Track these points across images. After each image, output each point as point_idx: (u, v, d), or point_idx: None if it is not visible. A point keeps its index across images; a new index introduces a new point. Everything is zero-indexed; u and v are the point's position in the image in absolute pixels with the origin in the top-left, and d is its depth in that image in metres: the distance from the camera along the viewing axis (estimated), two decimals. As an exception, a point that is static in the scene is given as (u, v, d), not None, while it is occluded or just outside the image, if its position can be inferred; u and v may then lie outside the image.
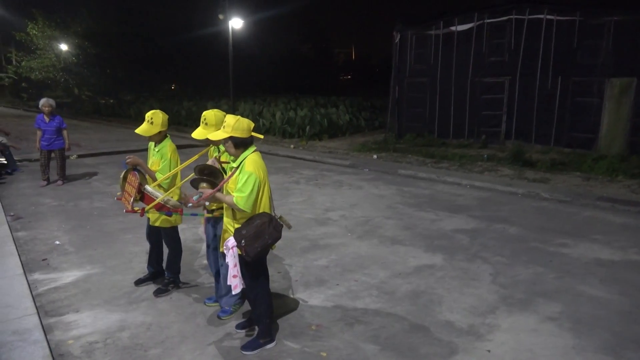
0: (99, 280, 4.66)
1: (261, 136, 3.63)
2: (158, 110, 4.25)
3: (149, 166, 4.19)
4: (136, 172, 3.90)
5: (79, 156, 12.55)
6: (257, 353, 3.41)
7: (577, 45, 12.98)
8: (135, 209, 3.79)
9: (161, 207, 3.83)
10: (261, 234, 3.15)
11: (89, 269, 4.95)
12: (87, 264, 5.07)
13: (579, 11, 12.83)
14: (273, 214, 3.37)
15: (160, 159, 4.14)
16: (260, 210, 3.30)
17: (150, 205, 3.76)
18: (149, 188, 3.83)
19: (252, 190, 3.15)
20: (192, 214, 4.27)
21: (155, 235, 4.48)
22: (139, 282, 4.58)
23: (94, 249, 5.54)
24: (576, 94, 13.17)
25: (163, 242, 4.50)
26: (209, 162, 3.73)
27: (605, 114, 12.66)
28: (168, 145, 4.21)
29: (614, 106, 12.52)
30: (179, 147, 4.59)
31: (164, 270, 4.59)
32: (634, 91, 12.16)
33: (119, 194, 4.09)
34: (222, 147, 3.85)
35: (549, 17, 13.37)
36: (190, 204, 3.57)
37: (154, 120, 4.12)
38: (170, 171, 4.11)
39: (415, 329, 3.76)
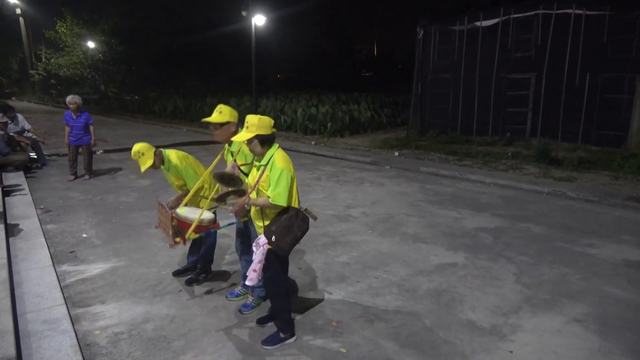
0: (124, 273, 4.77)
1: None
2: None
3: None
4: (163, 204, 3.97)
5: (105, 151, 12.84)
6: (277, 347, 3.44)
7: (606, 41, 12.62)
8: (177, 239, 3.75)
9: (199, 229, 3.80)
10: (291, 227, 3.20)
11: (115, 261, 5.07)
12: (113, 257, 5.19)
13: (609, 5, 12.45)
14: (299, 207, 3.38)
15: (176, 176, 4.24)
16: (292, 204, 3.32)
17: (190, 231, 3.69)
18: (179, 213, 3.83)
19: (286, 185, 3.19)
20: (230, 224, 4.29)
21: None
22: (177, 274, 4.69)
23: (119, 242, 5.66)
24: (605, 91, 12.81)
25: None
26: (228, 168, 3.72)
27: (636, 110, 12.28)
28: (174, 159, 4.19)
29: (645, 103, 12.13)
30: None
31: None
32: (666, 87, 11.76)
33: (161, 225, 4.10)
34: (235, 148, 3.85)
35: (577, 11, 13.02)
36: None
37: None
38: (191, 178, 4.20)
39: (437, 328, 3.74)
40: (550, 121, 13.92)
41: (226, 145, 4.03)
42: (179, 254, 5.20)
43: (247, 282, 3.36)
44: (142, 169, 4.09)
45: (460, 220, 6.70)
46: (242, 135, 3.26)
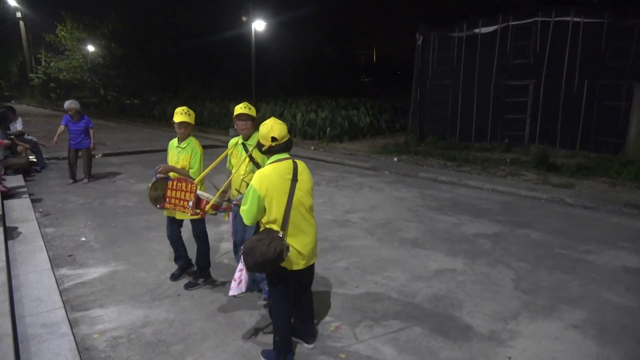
0: (123, 277, 4.77)
1: None
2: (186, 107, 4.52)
3: (174, 164, 4.41)
4: (170, 178, 4.02)
5: (105, 155, 12.85)
6: None
7: (605, 48, 12.70)
8: (197, 211, 3.79)
9: (216, 207, 3.90)
10: (254, 249, 2.96)
11: (114, 265, 5.07)
12: (112, 261, 5.19)
13: (607, 13, 12.55)
14: (281, 235, 3.02)
15: (190, 154, 4.41)
16: (270, 226, 3.10)
17: (209, 205, 3.78)
18: (199, 192, 3.93)
19: (250, 204, 3.02)
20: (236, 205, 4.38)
21: (177, 231, 4.63)
22: (174, 278, 4.71)
23: (119, 246, 5.66)
24: (603, 98, 12.88)
25: (192, 236, 4.64)
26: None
27: (634, 118, 12.34)
28: (194, 140, 4.50)
29: (643, 110, 12.19)
30: (203, 147, 4.69)
31: (192, 263, 4.80)
32: (664, 95, 11.82)
33: (160, 204, 4.09)
34: (253, 142, 4.05)
35: (575, 19, 13.11)
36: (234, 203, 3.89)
37: (190, 113, 4.44)
38: (200, 164, 4.45)
39: (435, 333, 3.74)
40: (549, 128, 13.97)
41: (236, 141, 4.24)
42: (178, 258, 5.20)
43: (230, 293, 3.33)
44: (179, 119, 4.32)
45: (459, 225, 6.72)
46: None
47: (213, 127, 22.06)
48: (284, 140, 3.16)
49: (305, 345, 3.52)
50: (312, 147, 15.18)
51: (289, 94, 32.43)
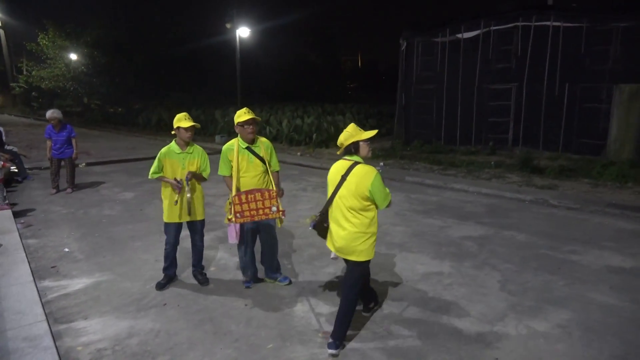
0: (108, 287, 4.69)
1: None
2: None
3: (180, 170, 4.47)
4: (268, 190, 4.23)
5: (88, 164, 12.68)
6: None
7: (584, 52, 12.95)
8: (281, 209, 4.22)
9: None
10: None
11: (98, 276, 4.99)
12: (96, 271, 5.11)
13: (585, 17, 12.81)
14: (318, 214, 3.78)
15: (200, 158, 4.53)
16: None
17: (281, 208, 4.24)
18: None
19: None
20: None
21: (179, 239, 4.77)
22: (161, 287, 4.66)
23: (103, 256, 5.58)
24: (584, 100, 13.12)
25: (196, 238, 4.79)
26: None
27: (614, 120, 12.58)
28: (197, 145, 4.61)
29: (623, 112, 12.44)
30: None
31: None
32: (643, 97, 12.08)
33: (230, 217, 4.18)
34: (260, 145, 4.43)
35: (555, 23, 13.36)
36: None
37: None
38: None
39: (423, 337, 3.75)
40: (532, 130, 14.17)
41: (233, 146, 4.34)
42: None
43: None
44: (188, 124, 4.37)
45: (446, 229, 6.76)
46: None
47: (198, 134, 21.94)
48: (344, 145, 3.54)
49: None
50: (299, 153, 15.18)
51: (275, 100, 32.44)
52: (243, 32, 18.38)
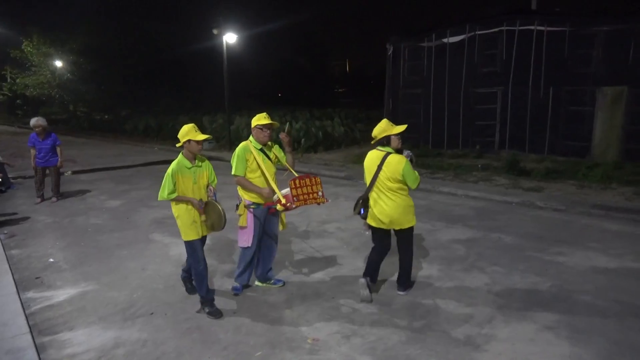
0: (94, 297, 4.63)
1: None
2: None
3: (190, 185, 4.12)
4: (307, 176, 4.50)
5: (74, 172, 12.53)
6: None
7: (568, 55, 13.15)
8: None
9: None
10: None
11: (84, 286, 4.92)
12: (82, 281, 5.04)
13: (568, 22, 13.02)
14: (362, 197, 4.67)
15: (209, 170, 4.34)
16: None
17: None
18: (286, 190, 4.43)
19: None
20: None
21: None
22: (217, 314, 4.25)
23: (89, 266, 5.51)
24: (569, 103, 13.30)
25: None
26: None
27: (597, 122, 12.78)
28: (203, 157, 4.36)
29: (606, 114, 12.64)
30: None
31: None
32: (625, 99, 12.30)
33: (284, 202, 4.33)
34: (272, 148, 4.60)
35: (539, 28, 13.55)
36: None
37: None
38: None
39: (413, 341, 3.75)
40: (518, 133, 14.32)
41: (248, 148, 4.42)
42: (150, 275, 5.09)
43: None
44: (203, 137, 4.14)
45: (434, 232, 6.79)
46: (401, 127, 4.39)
47: (187, 140, 21.79)
48: (377, 138, 4.40)
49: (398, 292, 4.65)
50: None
51: (263, 106, 32.38)
52: (230, 38, 18.35)
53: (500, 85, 14.56)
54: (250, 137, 4.54)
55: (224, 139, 19.36)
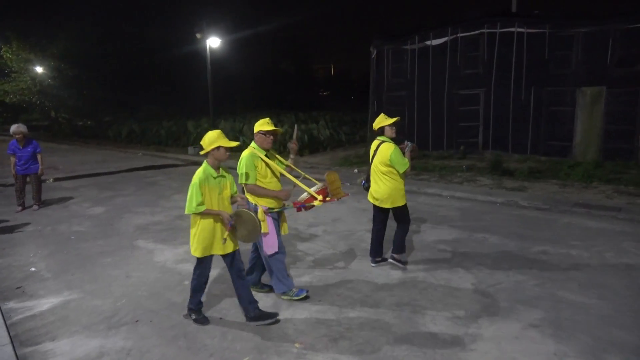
0: (77, 306, 4.55)
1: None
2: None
3: (217, 195, 3.90)
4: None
5: (56, 179, 12.34)
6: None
7: (548, 57, 13.38)
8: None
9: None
10: None
11: (67, 294, 4.84)
12: (64, 290, 4.95)
13: (548, 24, 13.25)
14: (364, 178, 5.61)
15: (231, 179, 4.08)
16: None
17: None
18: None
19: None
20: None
21: None
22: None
23: (72, 274, 5.41)
24: (550, 104, 13.53)
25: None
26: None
27: (578, 122, 13.01)
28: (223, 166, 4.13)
29: (586, 114, 12.89)
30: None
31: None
32: (604, 99, 12.55)
33: (330, 198, 4.59)
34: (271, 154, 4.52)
35: (519, 30, 13.77)
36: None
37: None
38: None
39: (400, 342, 3.76)
40: (501, 134, 14.51)
41: (257, 155, 4.37)
42: (134, 283, 5.03)
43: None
44: (232, 144, 3.93)
45: (420, 233, 6.83)
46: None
47: (171, 145, 21.65)
48: (375, 129, 5.24)
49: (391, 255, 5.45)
50: (273, 162, 15.11)
51: (248, 110, 32.31)
52: (213, 42, 18.29)
53: (482, 87, 14.74)
54: (253, 144, 4.45)
55: (209, 144, 19.24)
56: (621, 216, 7.43)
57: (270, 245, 4.38)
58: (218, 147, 3.84)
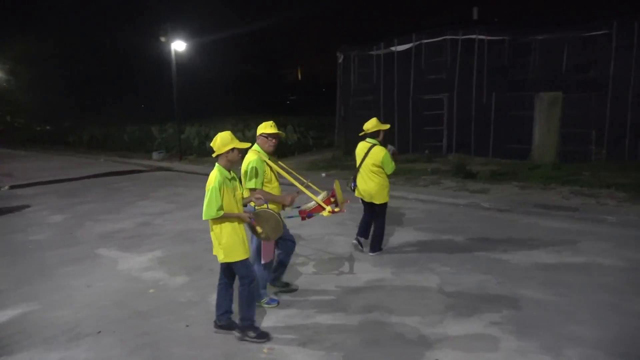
0: (36, 318, 4.39)
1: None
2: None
3: (231, 197, 3.77)
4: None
5: (12, 187, 11.85)
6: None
7: (507, 63, 13.86)
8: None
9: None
10: None
11: (25, 306, 4.65)
12: (22, 302, 4.76)
13: (507, 31, 13.73)
14: (353, 177, 6.17)
15: (238, 181, 4.02)
16: None
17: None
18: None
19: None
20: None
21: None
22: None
23: (30, 285, 5.21)
24: (510, 108, 14.00)
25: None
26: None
27: (537, 126, 13.51)
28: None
29: (544, 119, 13.40)
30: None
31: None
32: (560, 104, 13.09)
33: (335, 209, 4.63)
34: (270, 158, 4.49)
35: (480, 37, 14.21)
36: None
37: None
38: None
39: (368, 344, 3.80)
40: (464, 138, 14.91)
41: (261, 159, 4.31)
42: (97, 292, 4.89)
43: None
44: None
45: (387, 236, 6.90)
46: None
47: (135, 151, 21.16)
48: (367, 132, 5.75)
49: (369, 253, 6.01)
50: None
51: (215, 114, 31.95)
52: (179, 46, 18.02)
53: (446, 92, 15.12)
54: (257, 147, 4.40)
55: (175, 149, 18.92)
56: (577, 216, 7.76)
57: (268, 252, 4.36)
58: (232, 149, 3.76)
